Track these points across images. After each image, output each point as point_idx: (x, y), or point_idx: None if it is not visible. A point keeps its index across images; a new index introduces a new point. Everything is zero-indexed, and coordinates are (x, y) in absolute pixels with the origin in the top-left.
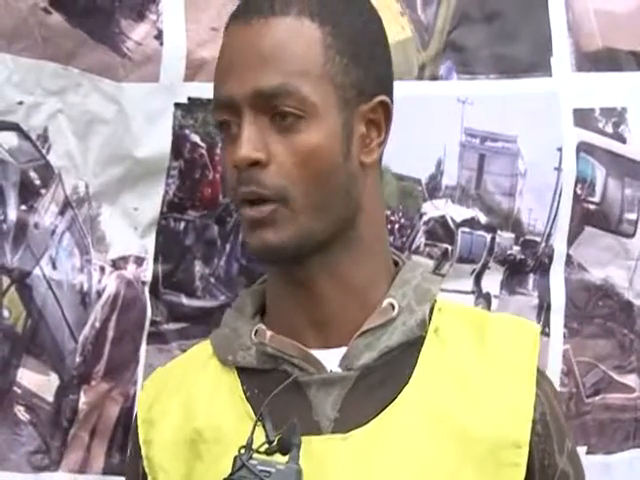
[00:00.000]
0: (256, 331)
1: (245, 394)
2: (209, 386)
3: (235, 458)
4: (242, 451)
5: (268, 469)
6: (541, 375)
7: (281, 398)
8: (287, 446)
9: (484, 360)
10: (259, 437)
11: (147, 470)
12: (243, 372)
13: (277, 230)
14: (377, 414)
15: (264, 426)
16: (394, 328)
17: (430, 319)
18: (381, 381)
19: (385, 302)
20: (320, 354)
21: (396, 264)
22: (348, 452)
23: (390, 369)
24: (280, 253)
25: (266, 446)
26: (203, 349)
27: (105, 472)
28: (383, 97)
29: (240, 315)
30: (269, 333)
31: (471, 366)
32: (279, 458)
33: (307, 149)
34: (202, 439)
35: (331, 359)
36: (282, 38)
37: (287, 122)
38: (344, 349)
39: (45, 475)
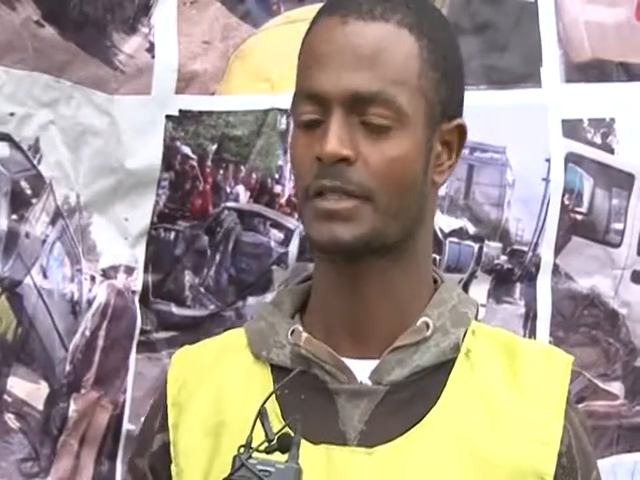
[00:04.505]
0: (292, 331)
1: (275, 392)
2: (241, 377)
3: (234, 457)
4: (241, 450)
5: (268, 468)
6: (571, 407)
7: (309, 402)
8: (287, 444)
9: (514, 387)
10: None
11: (172, 455)
12: (276, 369)
13: (352, 226)
14: (403, 432)
15: (263, 424)
16: (427, 348)
17: (462, 341)
18: (409, 399)
19: (420, 320)
20: (352, 363)
21: (434, 281)
22: (372, 467)
23: (419, 388)
24: (346, 249)
25: (266, 444)
26: (236, 337)
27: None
28: (461, 121)
29: (278, 311)
30: (305, 335)
31: (500, 392)
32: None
33: (396, 155)
34: (228, 430)
35: (362, 370)
36: (381, 44)
37: (378, 127)
38: (376, 362)
39: None
